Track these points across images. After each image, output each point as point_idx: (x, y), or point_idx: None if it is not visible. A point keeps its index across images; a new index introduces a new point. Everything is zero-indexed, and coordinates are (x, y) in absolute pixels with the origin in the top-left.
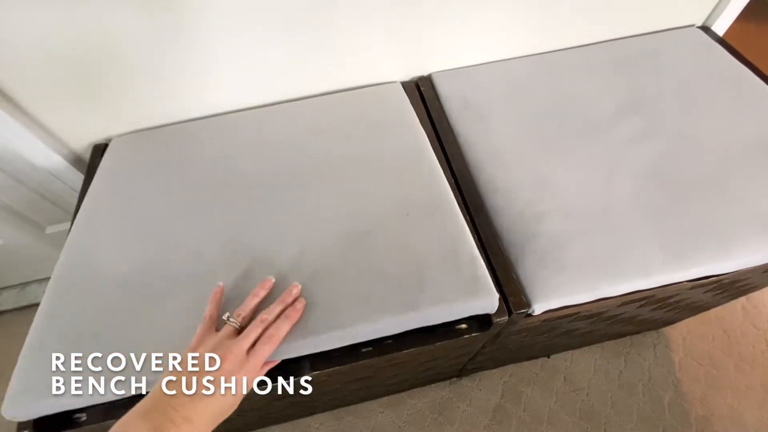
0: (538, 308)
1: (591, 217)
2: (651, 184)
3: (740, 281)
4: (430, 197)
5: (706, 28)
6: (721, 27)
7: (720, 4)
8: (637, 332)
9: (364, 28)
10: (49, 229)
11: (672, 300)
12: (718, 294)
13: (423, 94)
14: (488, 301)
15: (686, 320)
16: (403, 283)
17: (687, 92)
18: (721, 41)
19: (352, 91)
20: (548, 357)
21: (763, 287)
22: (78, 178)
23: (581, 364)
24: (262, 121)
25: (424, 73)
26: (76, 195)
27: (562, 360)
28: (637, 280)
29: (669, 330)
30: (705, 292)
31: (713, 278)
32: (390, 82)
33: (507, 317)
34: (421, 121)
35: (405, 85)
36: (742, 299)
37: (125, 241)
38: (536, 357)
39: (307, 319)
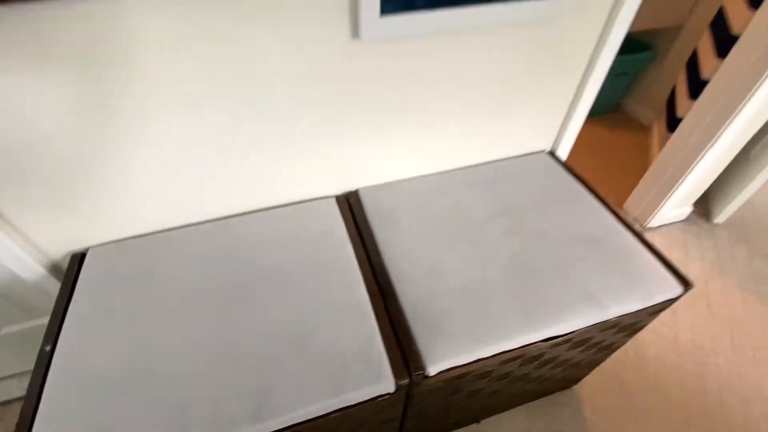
0: (432, 370)
1: (471, 296)
2: (512, 269)
3: (588, 339)
4: (352, 301)
5: (552, 153)
6: (563, 151)
7: (560, 137)
8: (551, 392)
9: (306, 154)
10: (5, 330)
11: (545, 358)
12: (583, 350)
13: (352, 206)
14: (386, 384)
15: (590, 377)
16: (331, 374)
17: (539, 201)
18: (562, 163)
19: (296, 205)
20: (478, 422)
21: (620, 343)
22: (49, 281)
23: (509, 427)
24: (217, 233)
25: (353, 188)
26: (45, 298)
27: (491, 424)
28: (504, 342)
29: (578, 388)
30: (568, 350)
31: (561, 337)
32: (326, 197)
33: (408, 380)
34: (349, 230)
35: (338, 198)
36: (631, 351)
37: (108, 351)
38: (465, 423)
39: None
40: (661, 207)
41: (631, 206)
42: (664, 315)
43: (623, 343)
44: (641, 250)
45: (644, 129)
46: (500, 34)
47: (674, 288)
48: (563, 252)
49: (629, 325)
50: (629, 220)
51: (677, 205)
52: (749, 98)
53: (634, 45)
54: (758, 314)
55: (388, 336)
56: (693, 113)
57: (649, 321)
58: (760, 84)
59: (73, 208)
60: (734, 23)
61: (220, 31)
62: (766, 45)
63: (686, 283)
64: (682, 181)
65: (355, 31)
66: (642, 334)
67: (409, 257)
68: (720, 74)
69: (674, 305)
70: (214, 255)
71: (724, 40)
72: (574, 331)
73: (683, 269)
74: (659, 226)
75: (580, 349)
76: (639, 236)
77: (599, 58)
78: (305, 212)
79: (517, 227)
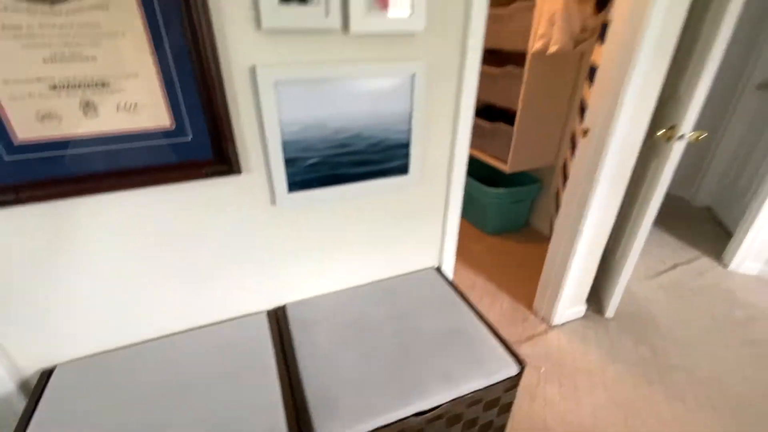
0: None
1: (359, 384)
2: (394, 360)
3: (460, 415)
4: (266, 397)
5: (438, 269)
6: (448, 266)
7: (441, 256)
8: None
9: (242, 282)
10: None
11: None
12: (469, 428)
13: (279, 319)
14: None
15: None
16: None
17: (423, 307)
18: (444, 276)
19: (232, 321)
20: None
21: (499, 422)
22: (15, 396)
23: None
24: (163, 350)
25: (282, 303)
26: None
27: None
28: (385, 415)
29: None
30: (450, 427)
31: (431, 412)
32: (258, 312)
33: None
34: (273, 338)
35: (269, 312)
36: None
37: None
38: None
39: None
40: (557, 307)
41: (537, 307)
42: (569, 402)
43: (503, 422)
44: (492, 339)
45: (546, 240)
46: (377, 196)
47: (512, 367)
48: (433, 344)
49: (493, 401)
50: (486, 317)
51: (571, 304)
52: (587, 214)
53: (527, 178)
54: (646, 396)
55: (293, 425)
56: (557, 225)
57: (509, 397)
58: (590, 203)
59: (42, 327)
60: (571, 165)
61: (168, 219)
62: (587, 177)
63: (521, 363)
64: (563, 284)
65: (273, 201)
66: (551, 423)
67: (317, 357)
68: (566, 195)
69: (579, 393)
70: (154, 367)
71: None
72: (439, 405)
73: (584, 360)
74: (563, 324)
75: (461, 426)
76: (492, 329)
77: (449, 207)
78: (240, 326)
79: (403, 328)
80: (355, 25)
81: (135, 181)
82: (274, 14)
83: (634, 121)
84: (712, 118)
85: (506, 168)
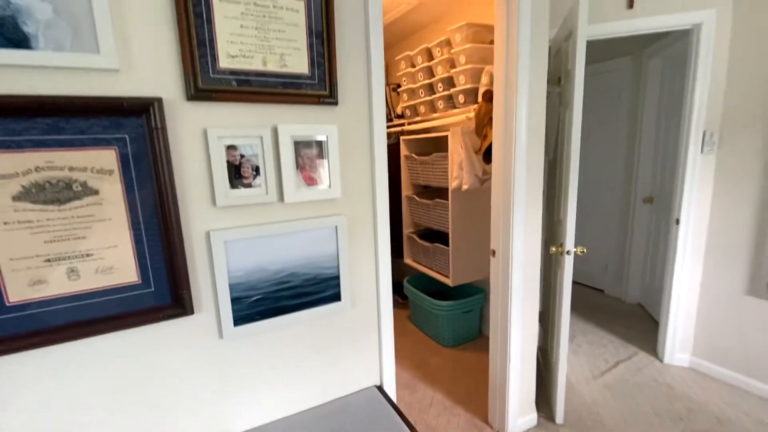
0: None
1: None
2: None
3: None
4: None
5: (380, 387)
6: (389, 383)
7: (381, 374)
8: None
9: (189, 406)
10: None
11: None
12: None
13: None
14: None
15: None
16: None
17: (363, 422)
18: (386, 396)
19: None
20: None
21: None
22: None
23: None
24: None
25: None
26: None
27: None
28: None
29: None
30: None
31: None
32: None
33: None
34: None
35: None
36: None
37: None
38: None
39: None
40: (508, 417)
41: (491, 419)
42: None
43: None
44: None
45: None
46: (316, 322)
47: None
48: None
49: None
50: (418, 428)
51: (522, 413)
52: (510, 321)
53: (474, 289)
54: None
55: None
56: (491, 337)
57: None
58: (511, 311)
59: None
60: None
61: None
62: (503, 290)
63: None
64: (508, 392)
65: (220, 335)
66: None
67: None
68: (491, 308)
69: None
70: None
71: None
72: None
73: None
74: None
75: None
76: None
77: (382, 327)
78: None
79: None
80: (288, 198)
81: (101, 328)
82: (226, 197)
83: (528, 242)
84: (620, 225)
85: (449, 282)
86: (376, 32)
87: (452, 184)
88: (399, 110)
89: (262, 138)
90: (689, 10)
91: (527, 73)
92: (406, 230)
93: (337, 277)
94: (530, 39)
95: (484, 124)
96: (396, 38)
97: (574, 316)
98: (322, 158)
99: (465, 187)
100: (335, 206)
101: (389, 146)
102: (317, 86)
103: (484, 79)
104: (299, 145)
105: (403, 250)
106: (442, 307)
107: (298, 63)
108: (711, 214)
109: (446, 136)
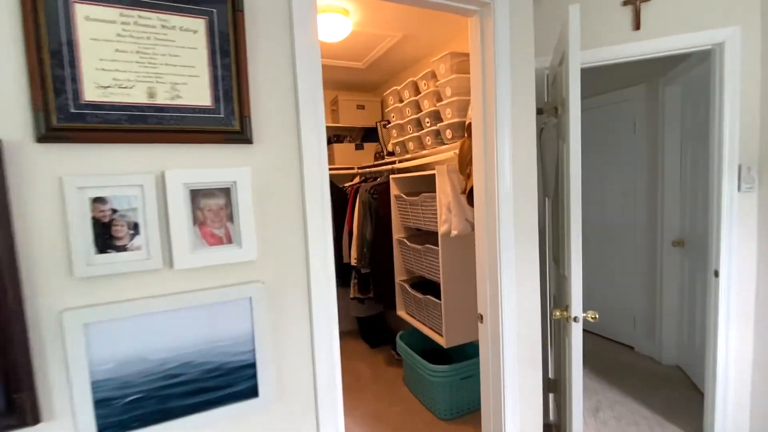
0: None
1: None
2: None
3: None
4: None
5: None
6: None
7: None
8: None
9: None
10: None
11: None
12: None
13: None
14: None
15: None
16: None
17: None
18: None
19: None
20: None
21: None
22: None
23: None
24: None
25: None
26: None
27: None
28: None
29: None
30: None
31: None
32: None
33: None
34: None
35: None
36: None
37: None
38: None
39: None
40: None
41: None
42: None
43: None
44: None
45: None
46: (224, 425)
47: None
48: None
49: None
50: None
51: None
52: (505, 403)
53: (474, 350)
54: None
55: None
56: (482, 418)
57: None
58: (505, 391)
59: None
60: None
61: None
62: (494, 360)
63: None
64: None
65: None
66: None
67: None
68: (482, 383)
69: None
70: None
71: None
72: None
73: None
74: None
75: None
76: None
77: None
78: None
79: None
80: (179, 263)
81: None
82: (87, 264)
83: (523, 303)
84: (648, 272)
85: (443, 343)
86: (306, 50)
87: (441, 229)
88: (390, 147)
89: (143, 187)
90: (707, 28)
91: (509, 100)
92: (399, 278)
93: (253, 365)
94: (510, 60)
95: (468, 161)
96: (388, 74)
97: (599, 381)
98: (231, 210)
99: (454, 232)
100: (250, 271)
101: (380, 185)
102: (223, 121)
103: (471, 112)
104: (198, 195)
105: (396, 300)
106: (436, 373)
107: (197, 93)
108: (759, 266)
109: (434, 175)
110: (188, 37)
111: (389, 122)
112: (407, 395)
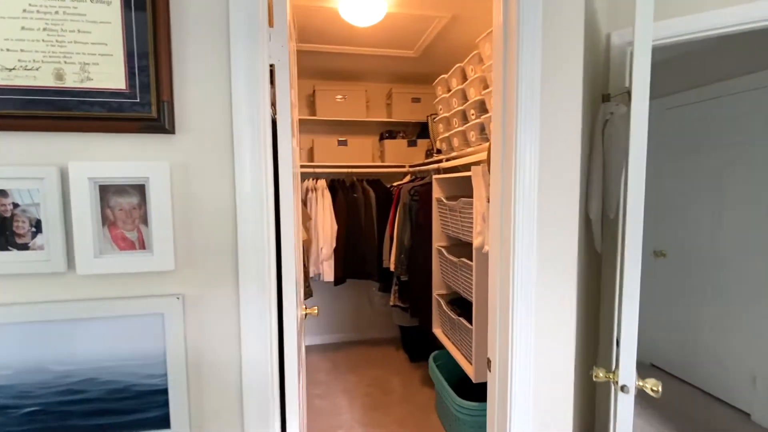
0: None
1: None
2: None
3: None
4: None
5: None
6: None
7: None
8: None
9: None
10: None
11: None
12: None
13: None
14: None
15: None
16: None
17: None
18: None
19: None
20: None
21: None
22: None
23: None
24: None
25: None
26: None
27: None
28: None
29: None
30: None
31: None
32: None
33: None
34: None
35: None
36: None
37: None
38: None
39: None
40: None
41: None
42: None
43: None
44: None
45: None
46: None
47: None
48: None
49: None
50: None
51: None
52: None
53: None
54: None
55: None
56: None
57: None
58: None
59: None
60: None
61: None
62: (500, 420)
63: None
64: None
65: None
66: None
67: None
68: None
69: None
70: None
71: None
72: None
73: None
74: None
75: None
76: None
77: None
78: None
79: None
80: (82, 267)
81: None
82: None
83: (544, 353)
84: None
85: (471, 375)
86: (244, 16)
87: (474, 242)
88: (438, 144)
89: (44, 180)
90: None
91: (536, 78)
92: (436, 291)
93: (166, 392)
94: (542, 18)
95: None
96: (443, 63)
97: None
98: (145, 211)
99: (487, 247)
100: (164, 283)
101: (421, 187)
102: (138, 107)
103: None
104: (108, 192)
105: (432, 315)
106: (464, 409)
107: (110, 75)
108: None
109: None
110: (101, 10)
111: (437, 115)
112: (435, 425)
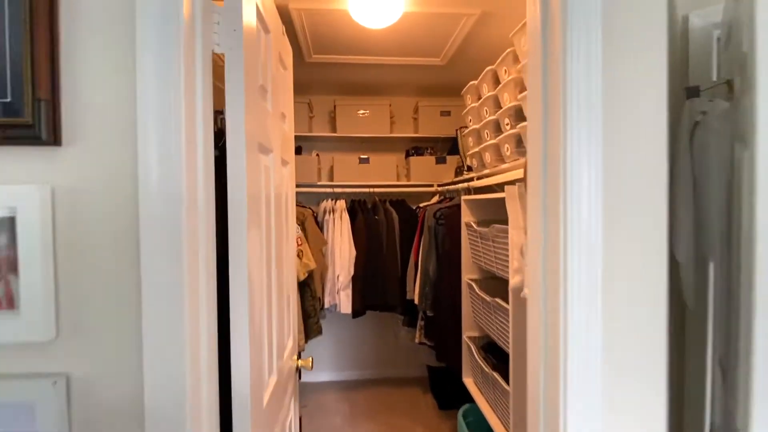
0: None
1: None
2: None
3: None
4: None
5: None
6: None
7: None
8: None
9: None
10: None
11: None
12: None
13: None
14: None
15: None
16: None
17: None
18: None
19: None
20: None
21: None
22: None
23: None
24: None
25: None
26: None
27: None
28: None
29: None
30: None
31: None
32: None
33: None
34: None
35: None
36: None
37: None
38: None
39: None
40: None
41: None
42: None
43: None
44: None
45: None
46: None
47: None
48: None
49: None
50: None
51: None
52: None
53: None
54: None
55: None
56: None
57: None
58: None
59: None
60: None
61: None
62: None
63: None
64: None
65: None
66: None
67: None
68: None
69: None
70: None
71: None
72: None
73: None
74: None
75: None
76: None
77: None
78: None
79: None
80: None
81: None
82: None
83: None
84: None
85: None
86: None
87: (511, 281)
88: (468, 160)
89: None
90: None
91: (596, 61)
92: (466, 333)
93: None
94: None
95: None
96: (473, 71)
97: None
98: (16, 255)
99: (526, 290)
100: (40, 357)
101: (448, 209)
102: (8, 109)
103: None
104: None
105: (462, 362)
106: None
107: None
108: None
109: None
110: None
111: (466, 128)
112: None
